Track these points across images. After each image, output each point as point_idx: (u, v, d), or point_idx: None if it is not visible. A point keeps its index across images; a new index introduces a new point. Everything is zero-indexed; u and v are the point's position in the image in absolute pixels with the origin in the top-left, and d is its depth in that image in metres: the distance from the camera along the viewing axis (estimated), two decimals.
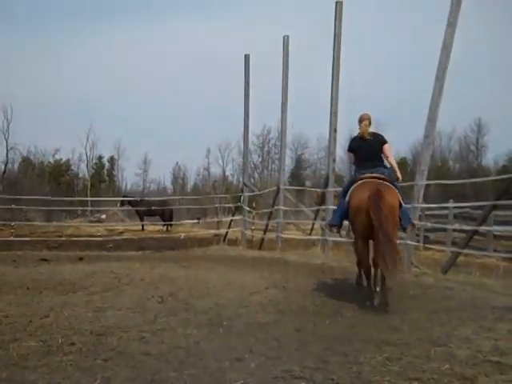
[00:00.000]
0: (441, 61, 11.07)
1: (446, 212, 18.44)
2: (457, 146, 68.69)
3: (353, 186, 7.58)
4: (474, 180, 21.31)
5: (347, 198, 7.56)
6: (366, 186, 7.26)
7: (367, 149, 7.79)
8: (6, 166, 61.34)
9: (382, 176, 7.49)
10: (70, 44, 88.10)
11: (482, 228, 11.33)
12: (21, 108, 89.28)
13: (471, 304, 6.91)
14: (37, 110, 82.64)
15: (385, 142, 7.99)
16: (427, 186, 12.20)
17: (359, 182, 7.50)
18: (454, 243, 15.23)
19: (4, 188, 43.93)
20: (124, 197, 31.72)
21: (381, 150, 7.88)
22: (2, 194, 32.66)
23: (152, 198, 37.07)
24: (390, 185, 7.41)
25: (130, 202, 29.80)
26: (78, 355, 4.47)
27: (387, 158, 7.96)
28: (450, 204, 17.41)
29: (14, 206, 25.57)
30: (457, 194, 37.55)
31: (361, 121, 7.90)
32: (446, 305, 6.81)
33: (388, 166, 7.94)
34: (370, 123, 7.89)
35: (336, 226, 8.25)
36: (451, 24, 10.96)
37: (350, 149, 8.13)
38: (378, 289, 7.14)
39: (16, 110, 64.18)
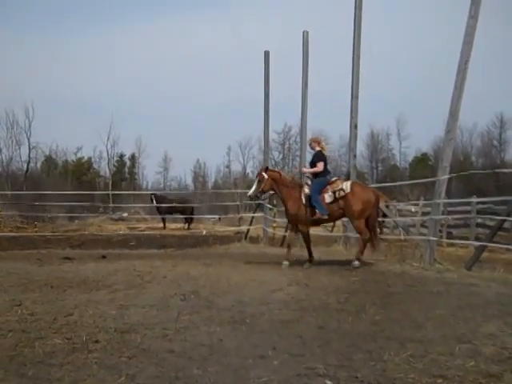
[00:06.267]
0: (462, 53, 10.91)
1: (468, 208, 18.27)
2: (479, 142, 68.07)
3: (347, 183, 10.81)
4: (497, 170, 20.91)
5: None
6: (364, 185, 11.66)
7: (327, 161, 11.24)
8: (28, 164, 62.03)
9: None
10: (90, 43, 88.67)
11: (507, 222, 11.18)
12: (42, 107, 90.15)
13: (496, 300, 6.84)
14: (58, 109, 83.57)
15: None
16: (449, 181, 12.08)
17: (350, 181, 11.09)
18: (477, 239, 15.07)
19: (27, 187, 44.44)
20: (151, 194, 31.27)
21: None
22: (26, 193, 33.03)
23: (173, 192, 37.03)
24: None
25: (156, 198, 29.22)
26: (103, 353, 4.51)
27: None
28: (474, 199, 17.25)
29: (37, 203, 25.82)
30: (479, 190, 37.18)
31: (321, 142, 11.33)
32: (471, 301, 6.73)
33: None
34: None
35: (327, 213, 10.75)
36: (473, 16, 10.81)
37: (325, 160, 11.05)
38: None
39: (37, 109, 64.58)
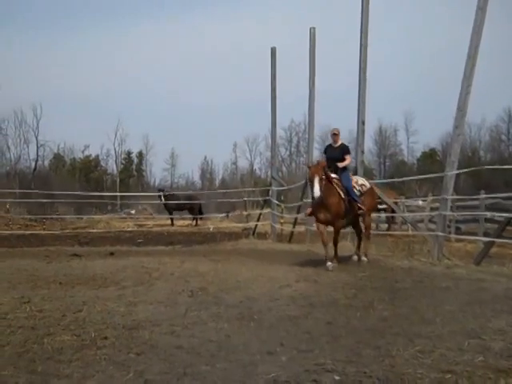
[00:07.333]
0: (471, 47, 10.84)
1: (477, 203, 18.17)
2: (487, 137, 67.70)
3: (363, 179, 11.29)
4: (505, 167, 20.78)
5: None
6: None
7: None
8: (36, 163, 62.20)
9: None
10: (98, 42, 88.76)
11: None
12: (50, 106, 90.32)
13: (505, 296, 6.81)
14: (66, 108, 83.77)
15: None
16: (457, 176, 12.03)
17: (362, 177, 11.55)
18: (486, 234, 14.98)
19: (35, 185, 44.52)
20: (159, 190, 31.09)
21: None
22: (34, 191, 33.10)
23: (181, 192, 36.97)
24: None
25: (165, 195, 29.00)
26: (111, 349, 4.52)
27: None
28: (482, 196, 17.15)
29: (45, 200, 25.86)
30: (488, 185, 36.99)
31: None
32: (480, 297, 6.71)
33: None
34: None
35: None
36: (481, 8, 10.74)
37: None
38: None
39: (45, 107, 64.82)
